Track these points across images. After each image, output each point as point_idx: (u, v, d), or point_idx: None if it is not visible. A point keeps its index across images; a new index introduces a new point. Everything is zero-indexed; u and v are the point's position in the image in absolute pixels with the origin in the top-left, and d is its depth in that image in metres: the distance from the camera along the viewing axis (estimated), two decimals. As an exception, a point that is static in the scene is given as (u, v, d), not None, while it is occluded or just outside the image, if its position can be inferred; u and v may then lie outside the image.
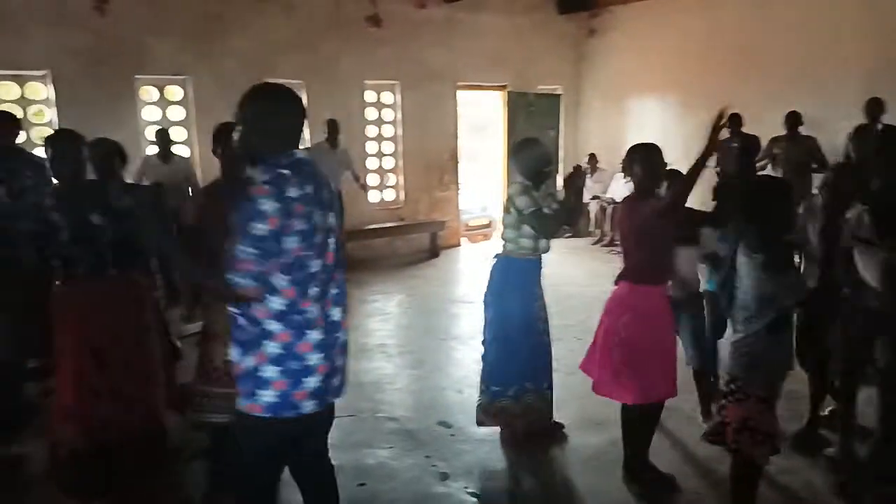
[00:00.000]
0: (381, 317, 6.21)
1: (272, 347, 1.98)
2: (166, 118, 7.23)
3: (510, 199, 3.44)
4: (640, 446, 3.19)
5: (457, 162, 9.47)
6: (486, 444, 3.63)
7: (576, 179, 3.46)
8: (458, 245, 9.59)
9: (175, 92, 7.28)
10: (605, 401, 3.24)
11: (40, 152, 4.03)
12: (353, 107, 8.33)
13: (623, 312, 3.02)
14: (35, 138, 6.38)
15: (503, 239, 3.59)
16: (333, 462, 2.39)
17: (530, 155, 3.48)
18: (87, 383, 2.96)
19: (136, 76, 6.90)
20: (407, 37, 8.38)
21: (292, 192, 1.91)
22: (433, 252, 8.86)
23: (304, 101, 7.84)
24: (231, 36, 7.23)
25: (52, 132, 3.21)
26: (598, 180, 9.50)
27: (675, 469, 3.29)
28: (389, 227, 8.68)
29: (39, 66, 6.37)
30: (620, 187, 9.04)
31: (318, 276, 2.02)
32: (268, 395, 1.99)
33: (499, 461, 3.48)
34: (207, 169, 6.74)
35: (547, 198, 3.49)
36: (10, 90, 6.46)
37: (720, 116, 2.75)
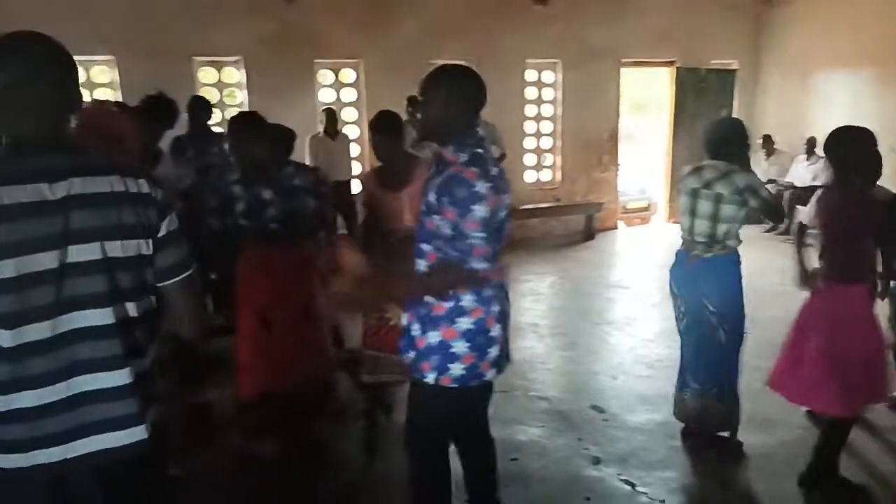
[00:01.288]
0: (533, 297, 6.25)
1: (465, 323, 2.07)
2: (339, 100, 7.72)
3: (736, 188, 3.05)
4: (833, 453, 2.98)
5: (617, 142, 9.20)
6: (641, 432, 3.57)
7: None
8: (615, 228, 9.34)
9: (348, 74, 7.73)
10: (772, 399, 3.05)
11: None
12: (514, 86, 8.35)
13: (832, 325, 2.83)
14: (228, 118, 7.09)
15: (711, 236, 3.12)
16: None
17: (740, 133, 3.19)
18: (256, 342, 3.28)
19: (315, 60, 7.43)
20: (571, 14, 8.21)
21: (493, 170, 2.00)
22: (588, 234, 8.71)
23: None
24: (399, 19, 7.51)
25: (236, 114, 3.54)
26: (775, 163, 8.77)
27: (860, 478, 3.04)
28: (545, 207, 8.65)
29: (233, 53, 7.06)
30: (802, 171, 8.31)
31: (499, 251, 2.10)
32: (457, 369, 2.10)
33: (656, 452, 3.40)
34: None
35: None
36: (210, 75, 7.22)
37: None
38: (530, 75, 8.59)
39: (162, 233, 1.46)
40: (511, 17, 7.96)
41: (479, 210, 1.92)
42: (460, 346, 2.07)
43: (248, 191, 3.22)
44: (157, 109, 3.84)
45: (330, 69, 7.68)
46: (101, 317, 1.37)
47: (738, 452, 3.32)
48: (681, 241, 3.31)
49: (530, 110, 8.71)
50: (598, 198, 8.98)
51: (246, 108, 7.13)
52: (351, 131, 7.58)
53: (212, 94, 6.90)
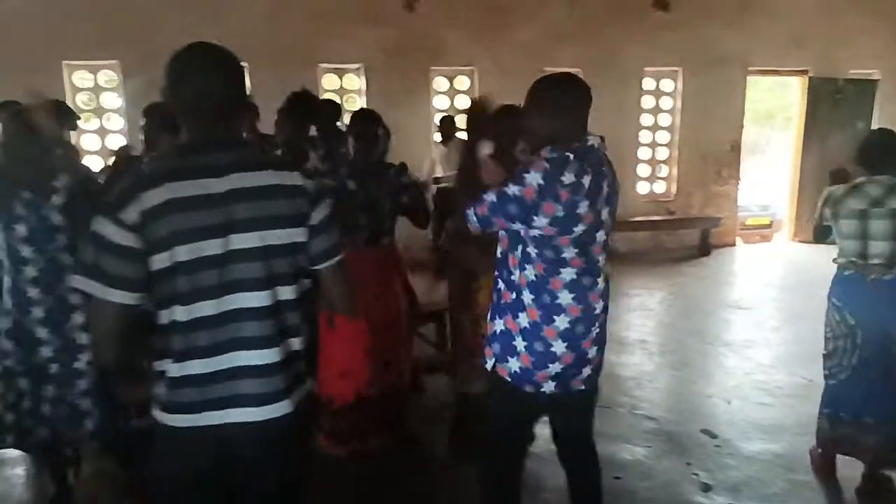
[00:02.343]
0: (642, 312, 6.05)
1: (523, 319, 2.05)
2: (453, 106, 7.83)
3: None
4: None
5: (739, 154, 8.74)
6: (756, 462, 3.36)
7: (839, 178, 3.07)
8: (733, 245, 8.87)
9: (462, 82, 7.84)
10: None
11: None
12: (630, 95, 8.15)
13: None
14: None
15: (891, 255, 2.89)
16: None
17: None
18: (364, 346, 3.22)
19: (432, 67, 7.59)
20: (695, 20, 7.91)
21: (566, 178, 1.93)
22: (704, 250, 8.32)
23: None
24: (515, 27, 7.53)
25: (356, 110, 3.59)
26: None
27: None
28: (657, 220, 8.37)
29: (355, 60, 7.36)
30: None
31: (573, 263, 2.01)
32: (514, 364, 2.08)
33: (772, 484, 3.19)
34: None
35: None
36: (333, 81, 7.55)
37: None
38: (648, 83, 8.34)
39: (315, 221, 1.58)
40: (630, 24, 7.78)
41: (511, 188, 1.95)
42: (519, 342, 2.06)
43: (362, 187, 3.25)
44: (300, 106, 3.97)
45: (445, 76, 7.82)
46: (258, 299, 1.50)
47: (887, 492, 3.06)
48: (843, 266, 3.04)
49: (646, 119, 8.46)
50: (716, 212, 8.57)
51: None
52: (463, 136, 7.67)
53: (334, 100, 7.19)
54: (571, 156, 1.97)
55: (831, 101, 8.47)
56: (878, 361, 2.96)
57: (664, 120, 8.54)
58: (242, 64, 1.56)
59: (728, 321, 5.86)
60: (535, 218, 1.94)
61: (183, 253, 1.42)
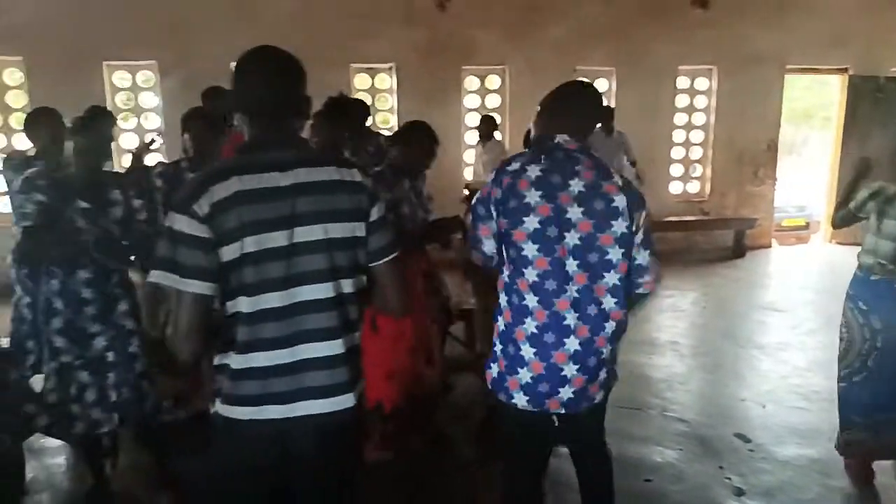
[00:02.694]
0: (673, 313, 5.98)
1: (500, 322, 2.06)
2: (484, 105, 7.83)
3: None
4: None
5: (776, 154, 8.57)
6: (791, 467, 3.30)
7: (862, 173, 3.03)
8: (769, 246, 8.69)
9: (494, 81, 7.82)
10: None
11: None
12: (663, 94, 8.05)
13: None
14: (379, 122, 7.43)
15: None
16: (616, 452, 2.39)
17: None
18: (404, 344, 3.24)
19: (463, 66, 7.59)
20: (732, 17, 7.77)
21: (511, 167, 2.01)
22: (738, 251, 8.18)
23: (613, 88, 7.85)
24: (547, 25, 7.49)
25: (408, 122, 3.63)
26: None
27: None
28: (690, 220, 8.24)
29: (387, 60, 7.39)
30: None
31: (537, 263, 1.96)
32: (494, 368, 2.09)
33: (807, 490, 3.13)
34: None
35: None
36: (364, 81, 7.60)
37: None
38: (682, 82, 8.23)
39: (373, 217, 1.62)
40: (664, 22, 7.67)
41: (482, 191, 2.01)
42: (497, 346, 2.07)
43: (413, 190, 3.33)
44: (337, 110, 4.05)
45: (476, 75, 7.82)
46: (322, 291, 1.54)
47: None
48: (869, 269, 2.99)
49: (680, 119, 8.35)
50: (751, 213, 8.41)
51: (396, 113, 7.45)
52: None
53: (365, 99, 7.25)
54: (539, 153, 2.01)
55: (872, 99, 8.24)
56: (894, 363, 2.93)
57: (698, 119, 8.41)
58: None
59: (762, 323, 5.76)
60: (491, 209, 2.00)
61: (250, 244, 1.47)
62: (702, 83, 8.29)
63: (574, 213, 1.96)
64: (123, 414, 2.85)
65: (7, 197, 6.21)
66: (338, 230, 1.55)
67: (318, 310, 1.53)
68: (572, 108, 2.09)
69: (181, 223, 1.45)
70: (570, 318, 1.97)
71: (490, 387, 2.11)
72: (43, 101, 6.38)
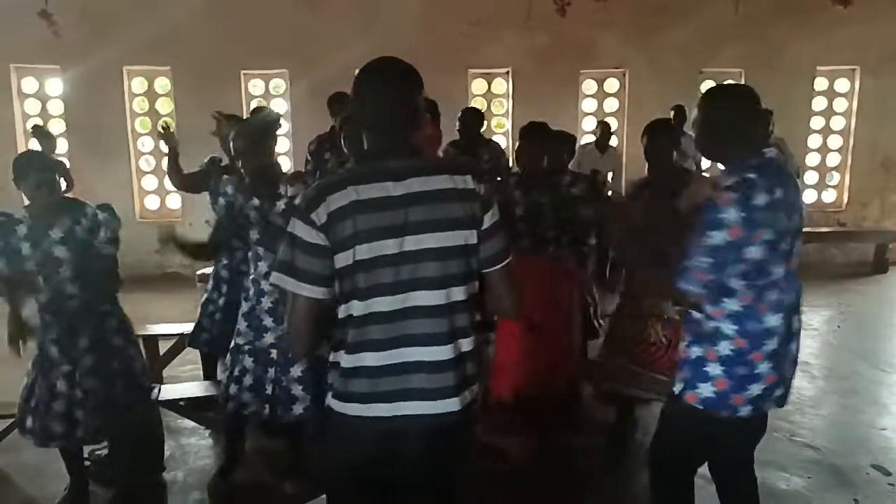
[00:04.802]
0: (804, 331, 5.43)
1: (724, 348, 1.97)
2: (601, 109, 7.67)
3: None
4: None
5: (928, 162, 7.81)
6: (939, 507, 3.00)
7: None
8: (915, 262, 7.94)
9: (612, 84, 7.65)
10: None
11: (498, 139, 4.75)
12: (798, 96, 7.55)
13: None
14: (493, 126, 7.48)
15: None
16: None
17: None
18: (520, 344, 3.39)
19: (581, 70, 7.49)
20: (876, 13, 7.17)
21: (759, 200, 1.82)
22: (879, 267, 7.51)
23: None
24: (672, 27, 7.22)
25: (527, 124, 3.66)
26: None
27: None
28: (824, 232, 7.67)
29: (504, 65, 7.43)
30: None
31: (780, 283, 1.93)
32: (706, 390, 2.00)
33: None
34: (631, 162, 6.96)
35: None
36: (481, 85, 7.68)
37: None
38: (820, 83, 7.68)
39: (486, 225, 1.62)
40: (798, 22, 7.20)
41: (715, 237, 1.82)
42: (714, 368, 1.98)
43: (527, 195, 3.36)
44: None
45: (594, 79, 7.68)
46: (433, 298, 1.57)
47: None
48: None
49: (817, 122, 7.79)
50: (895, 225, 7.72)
51: (511, 117, 7.47)
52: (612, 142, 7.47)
53: (481, 104, 7.33)
54: (753, 175, 1.86)
55: None
56: None
57: (837, 123, 7.82)
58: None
59: (907, 347, 5.26)
60: (747, 250, 1.86)
61: (363, 251, 1.52)
62: (842, 85, 7.70)
63: (796, 219, 1.97)
64: (271, 409, 2.93)
65: (179, 195, 6.95)
66: (449, 238, 1.57)
67: (428, 316, 1.57)
68: (746, 114, 2.00)
69: (301, 230, 1.52)
70: (796, 323, 2.05)
71: (700, 406, 2.03)
72: (187, 107, 7.04)
